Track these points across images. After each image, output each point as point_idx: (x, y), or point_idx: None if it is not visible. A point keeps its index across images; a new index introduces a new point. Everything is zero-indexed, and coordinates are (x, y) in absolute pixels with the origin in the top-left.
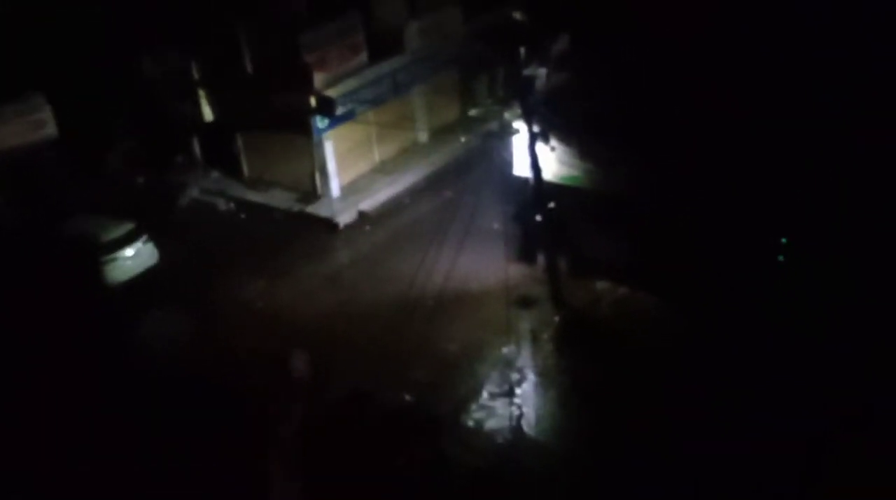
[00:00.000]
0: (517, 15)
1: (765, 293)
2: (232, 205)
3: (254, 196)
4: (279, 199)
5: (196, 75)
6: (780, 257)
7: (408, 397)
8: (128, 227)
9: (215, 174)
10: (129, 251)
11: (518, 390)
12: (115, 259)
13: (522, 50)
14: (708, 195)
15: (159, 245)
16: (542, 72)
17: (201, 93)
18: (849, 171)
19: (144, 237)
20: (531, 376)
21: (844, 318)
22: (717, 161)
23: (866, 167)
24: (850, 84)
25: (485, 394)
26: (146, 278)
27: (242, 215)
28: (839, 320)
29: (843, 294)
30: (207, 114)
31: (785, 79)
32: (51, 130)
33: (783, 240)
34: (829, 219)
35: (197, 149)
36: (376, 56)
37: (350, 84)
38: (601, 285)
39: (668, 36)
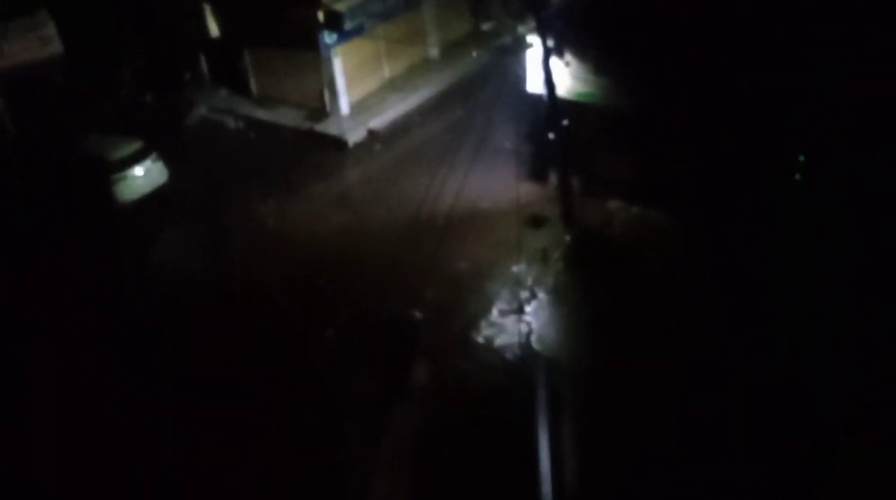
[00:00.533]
0: None
1: (779, 213)
2: (240, 123)
3: (262, 114)
4: (288, 117)
5: None
6: (797, 176)
7: (418, 315)
8: (137, 145)
9: (223, 92)
10: (138, 170)
11: (528, 308)
12: (124, 178)
13: None
14: (726, 110)
15: (168, 164)
16: None
17: (207, 8)
18: (876, 89)
19: (154, 156)
20: (541, 295)
21: (858, 246)
22: (736, 74)
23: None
24: None
25: (495, 312)
26: (156, 197)
27: (251, 134)
28: (852, 249)
29: (860, 220)
30: (214, 30)
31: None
32: (56, 46)
33: (801, 158)
34: (849, 139)
35: (204, 66)
36: None
37: None
38: (613, 204)
39: None
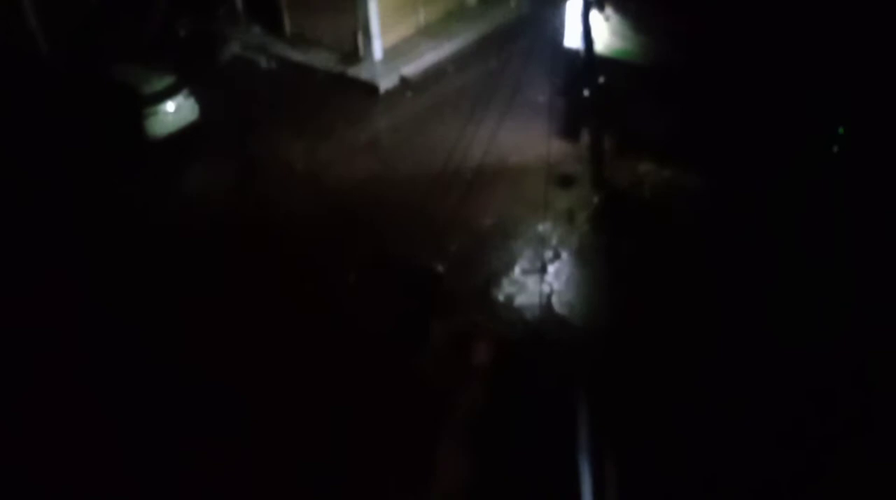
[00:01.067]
0: None
1: (815, 184)
2: (273, 63)
3: (295, 55)
4: (320, 59)
5: None
6: (835, 148)
7: (440, 267)
8: (169, 80)
9: (257, 29)
10: (170, 105)
11: (550, 268)
12: (155, 113)
13: None
14: (768, 76)
15: (199, 100)
16: None
17: None
18: None
19: (186, 91)
20: (564, 256)
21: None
22: (781, 39)
23: None
24: None
25: (517, 270)
26: (186, 133)
27: (283, 74)
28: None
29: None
30: None
31: None
32: None
33: (840, 130)
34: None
35: (239, 2)
36: None
37: None
38: (645, 166)
39: None
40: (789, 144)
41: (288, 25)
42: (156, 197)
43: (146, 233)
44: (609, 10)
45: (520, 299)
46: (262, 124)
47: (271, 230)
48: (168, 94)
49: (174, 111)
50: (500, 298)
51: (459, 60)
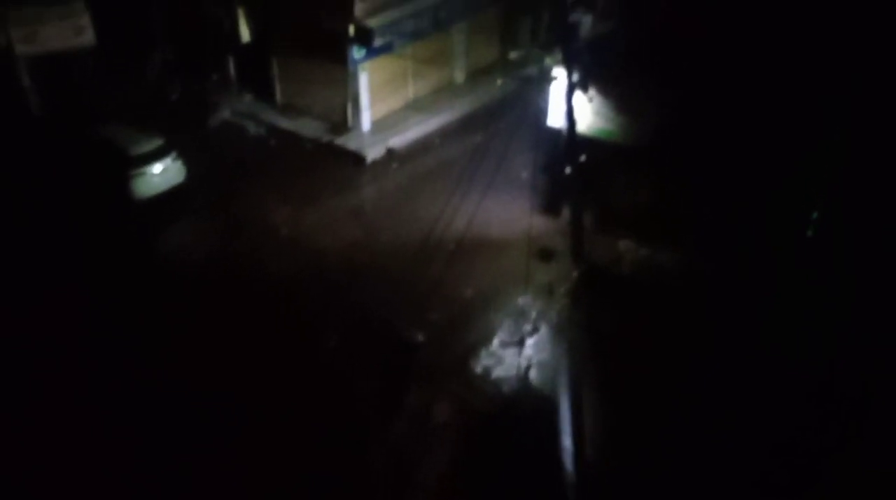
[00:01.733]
0: None
1: (790, 267)
2: (262, 129)
3: (284, 122)
4: (309, 127)
5: None
6: (810, 232)
7: (420, 337)
8: (158, 142)
9: (248, 97)
10: (157, 167)
11: (529, 341)
12: (142, 174)
13: None
14: (745, 161)
15: (187, 163)
16: (587, 19)
17: (241, 13)
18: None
19: (174, 154)
20: (543, 330)
21: (864, 303)
22: (757, 125)
23: None
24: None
25: (496, 342)
26: (172, 195)
27: (272, 141)
28: (859, 305)
29: (868, 280)
30: (245, 34)
31: (832, 47)
32: (89, 36)
33: (814, 215)
34: (865, 202)
35: (232, 69)
36: None
37: (391, 15)
38: (624, 243)
39: None
40: (766, 226)
41: (279, 94)
42: (138, 257)
43: (125, 294)
44: (592, 92)
45: (498, 372)
46: (249, 189)
47: (252, 294)
48: (156, 155)
49: (161, 173)
50: (479, 370)
51: (446, 134)
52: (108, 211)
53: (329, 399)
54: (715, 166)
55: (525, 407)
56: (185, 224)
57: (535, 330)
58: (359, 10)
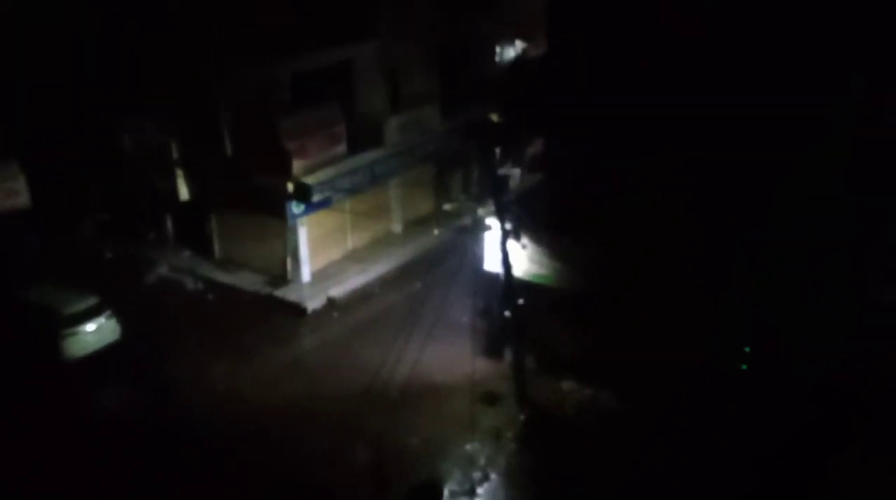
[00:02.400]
0: (494, 116)
1: (728, 400)
2: (200, 284)
3: (223, 277)
4: (248, 281)
5: (175, 153)
6: (744, 367)
7: (366, 490)
8: (91, 301)
9: (186, 253)
10: (90, 326)
11: (480, 490)
12: (75, 333)
13: (498, 150)
14: (673, 302)
15: (123, 321)
16: (515, 172)
17: (179, 172)
18: (812, 289)
19: (108, 312)
20: (494, 476)
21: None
22: (683, 268)
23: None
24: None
25: (446, 492)
26: (107, 354)
27: (210, 296)
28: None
29: (805, 407)
30: (183, 193)
31: (749, 188)
32: (24, 199)
33: (746, 349)
34: (791, 333)
35: (169, 226)
36: (356, 147)
37: (328, 173)
38: (567, 384)
39: (636, 144)
40: (700, 363)
41: (217, 249)
42: (68, 418)
43: (55, 457)
44: (525, 240)
45: None
46: (186, 344)
47: (185, 453)
48: (89, 314)
49: (94, 332)
50: None
51: (386, 283)
52: (40, 374)
53: None
54: (644, 308)
55: None
56: (119, 384)
57: (485, 478)
58: (297, 167)
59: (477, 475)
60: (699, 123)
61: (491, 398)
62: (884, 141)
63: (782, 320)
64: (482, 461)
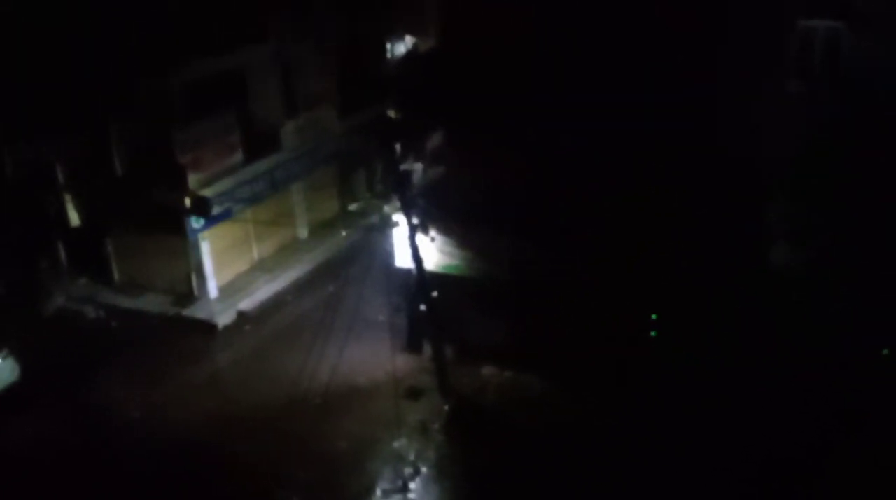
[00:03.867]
0: (392, 113)
1: (642, 367)
2: (101, 312)
3: (125, 301)
4: (153, 303)
5: (61, 177)
6: (653, 333)
7: None
8: None
9: (83, 280)
10: None
11: (412, 485)
12: None
13: (398, 146)
14: (580, 275)
15: (21, 360)
16: (418, 166)
17: (67, 197)
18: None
19: (4, 352)
20: (424, 469)
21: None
22: (587, 243)
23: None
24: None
25: (378, 492)
26: (6, 396)
27: (113, 323)
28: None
29: (712, 366)
30: (74, 218)
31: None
32: None
33: (653, 316)
34: (692, 297)
35: (62, 254)
36: (253, 154)
37: (226, 183)
38: (487, 370)
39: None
40: (610, 334)
41: (117, 273)
42: None
43: None
44: (433, 232)
45: None
46: (93, 377)
47: (104, 487)
48: None
49: None
50: None
51: (297, 290)
52: None
53: None
54: (554, 288)
55: None
56: (24, 425)
57: (416, 472)
58: (192, 181)
59: (408, 470)
60: (586, 105)
61: (415, 393)
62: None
63: (687, 285)
64: (411, 457)
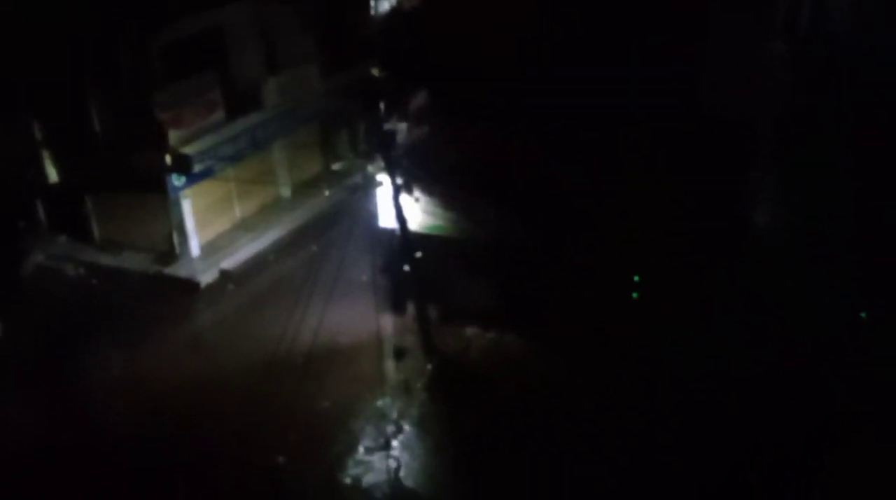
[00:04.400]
0: (375, 71)
1: (624, 328)
2: (82, 270)
3: (106, 259)
4: (134, 261)
5: (39, 136)
6: (635, 294)
7: (280, 459)
8: None
9: (62, 239)
10: None
11: (394, 443)
12: None
13: (382, 105)
14: (563, 237)
15: (0, 318)
16: (402, 126)
17: (45, 154)
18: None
19: None
20: (407, 427)
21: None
22: (570, 204)
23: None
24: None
25: (361, 449)
26: None
27: (94, 281)
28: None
29: (692, 326)
30: (53, 176)
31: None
32: None
33: (635, 278)
34: (676, 260)
35: (41, 212)
36: (234, 112)
37: (207, 141)
38: (470, 330)
39: (514, 87)
40: (593, 295)
41: (97, 232)
42: None
43: None
44: (417, 193)
45: (367, 479)
46: (74, 336)
47: (85, 451)
48: None
49: None
50: (347, 480)
51: (280, 249)
52: None
53: None
54: (538, 245)
55: None
56: (6, 384)
57: (399, 430)
58: (173, 138)
59: (390, 428)
60: (574, 76)
61: (398, 353)
62: None
63: (670, 249)
64: (394, 415)
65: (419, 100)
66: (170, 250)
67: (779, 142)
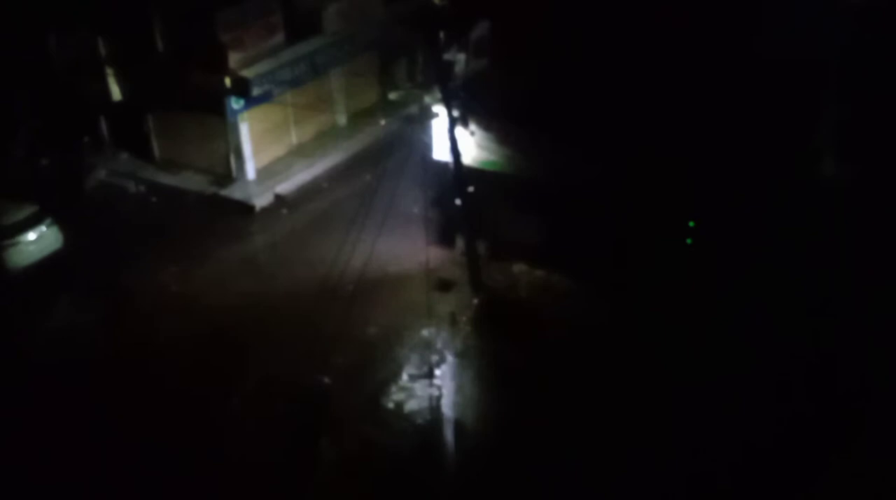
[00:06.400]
0: (437, 0)
1: (675, 274)
2: (142, 187)
3: (165, 178)
4: (192, 181)
5: (104, 53)
6: (689, 240)
7: (327, 381)
8: (30, 210)
9: (124, 156)
10: (31, 235)
11: (437, 372)
12: (16, 244)
13: (442, 35)
14: (620, 179)
15: (65, 229)
16: (461, 57)
17: (109, 71)
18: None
19: (48, 221)
20: (450, 358)
21: (748, 302)
22: (628, 147)
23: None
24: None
25: (404, 376)
26: (50, 264)
27: (153, 198)
28: (743, 303)
29: (747, 278)
30: (116, 93)
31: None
32: None
33: (690, 223)
34: (732, 205)
35: (105, 129)
36: (294, 37)
37: (266, 65)
38: (518, 267)
39: (583, 26)
40: (646, 239)
41: (157, 150)
42: (21, 331)
43: (11, 371)
44: (473, 126)
45: (410, 406)
46: (133, 250)
47: (146, 360)
48: (29, 224)
49: (36, 241)
50: (390, 405)
51: (334, 177)
52: None
53: (237, 462)
54: (593, 191)
55: (440, 436)
56: (68, 294)
57: (442, 360)
58: (233, 61)
59: (434, 357)
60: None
61: (445, 285)
62: None
63: (729, 196)
64: (439, 345)
65: (480, 31)
66: (226, 173)
67: (845, 81)
